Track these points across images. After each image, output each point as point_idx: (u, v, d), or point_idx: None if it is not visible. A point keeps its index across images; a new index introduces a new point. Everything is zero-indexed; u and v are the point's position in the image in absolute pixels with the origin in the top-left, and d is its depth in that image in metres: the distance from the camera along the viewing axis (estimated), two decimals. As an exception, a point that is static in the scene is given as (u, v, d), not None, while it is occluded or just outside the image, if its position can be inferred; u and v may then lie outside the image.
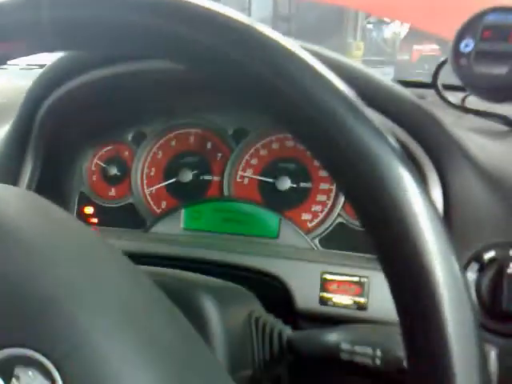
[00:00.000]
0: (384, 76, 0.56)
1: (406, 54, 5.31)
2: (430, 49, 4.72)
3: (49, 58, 0.62)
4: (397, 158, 0.25)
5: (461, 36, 0.54)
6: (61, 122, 0.63)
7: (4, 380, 0.25)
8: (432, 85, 0.67)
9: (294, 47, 0.26)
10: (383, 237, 0.25)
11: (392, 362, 0.38)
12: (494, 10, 0.53)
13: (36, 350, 0.25)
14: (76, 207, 0.71)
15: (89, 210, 0.71)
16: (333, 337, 0.42)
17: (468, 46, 0.53)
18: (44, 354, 0.25)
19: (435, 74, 0.64)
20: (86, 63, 0.60)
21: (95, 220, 0.71)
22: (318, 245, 0.63)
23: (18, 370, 0.26)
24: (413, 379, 0.25)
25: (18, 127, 0.63)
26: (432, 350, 0.24)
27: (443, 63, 0.63)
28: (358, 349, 0.40)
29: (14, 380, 0.26)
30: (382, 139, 0.25)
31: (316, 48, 0.52)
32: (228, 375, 0.31)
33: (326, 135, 0.25)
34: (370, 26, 6.91)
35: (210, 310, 0.44)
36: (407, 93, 0.55)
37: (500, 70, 0.51)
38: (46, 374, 0.25)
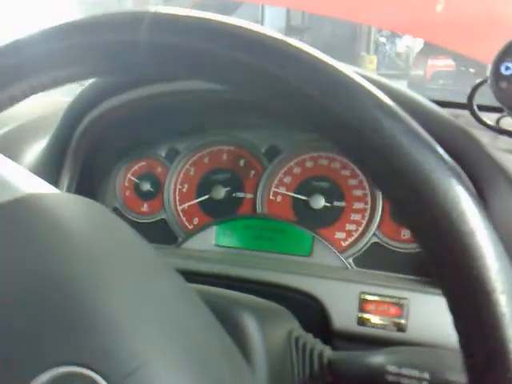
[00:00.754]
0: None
1: (420, 69, 5.30)
2: (445, 64, 4.70)
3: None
4: (455, 178, 0.25)
5: (501, 58, 0.54)
6: (97, 139, 0.64)
7: None
8: (467, 105, 0.67)
9: (353, 75, 0.27)
10: (442, 255, 0.25)
11: None
12: (535, 32, 0.53)
13: (94, 371, 0.25)
14: (109, 223, 0.71)
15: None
16: (378, 359, 0.42)
17: (509, 68, 0.53)
18: (102, 376, 0.25)
19: (471, 95, 0.64)
20: (122, 84, 0.61)
21: (128, 235, 0.71)
22: (353, 264, 0.62)
23: (76, 390, 0.26)
24: None
25: (55, 144, 0.64)
26: (496, 372, 0.23)
27: (480, 84, 0.63)
28: (404, 371, 0.40)
29: (71, 399, 0.26)
30: (441, 161, 0.25)
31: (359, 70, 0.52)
32: None
33: (385, 161, 0.25)
34: (382, 40, 6.92)
35: (252, 328, 0.44)
36: (446, 114, 0.55)
37: (542, 93, 0.51)
38: None
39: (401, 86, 0.57)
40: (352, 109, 0.26)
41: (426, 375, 0.38)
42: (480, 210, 0.25)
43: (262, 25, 6.15)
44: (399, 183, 0.25)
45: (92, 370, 0.25)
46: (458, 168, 0.26)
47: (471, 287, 0.24)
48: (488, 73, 0.64)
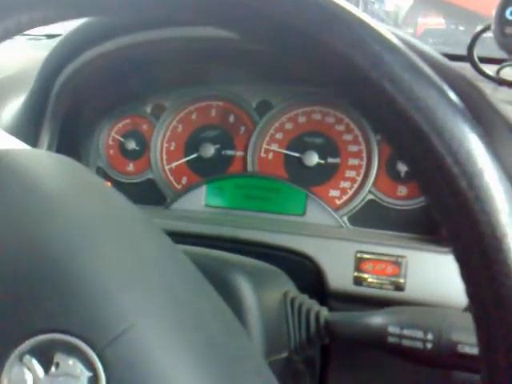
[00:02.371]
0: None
1: (410, 28, 5.22)
2: (435, 22, 4.63)
3: (58, 28, 0.59)
4: (457, 111, 0.23)
5: (506, 2, 0.51)
6: (78, 93, 0.60)
7: (43, 366, 0.24)
8: (465, 57, 0.64)
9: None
10: (449, 200, 0.23)
11: (445, 345, 0.36)
12: (543, -26, 0.50)
13: (78, 337, 0.24)
14: (93, 183, 0.68)
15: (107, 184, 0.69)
16: (378, 319, 0.40)
17: (514, 13, 0.50)
18: (87, 342, 0.24)
19: (471, 45, 0.61)
20: (104, 32, 0.57)
21: (113, 196, 0.68)
22: (348, 222, 0.60)
23: (58, 357, 0.24)
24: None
25: (33, 99, 0.60)
26: (507, 322, 0.22)
27: (481, 32, 0.60)
28: (406, 332, 0.38)
29: (52, 367, 0.24)
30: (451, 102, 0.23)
31: None
32: (264, 362, 0.30)
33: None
34: (372, -1, 6.79)
35: (246, 290, 0.42)
36: (451, 63, 0.52)
37: (549, 39, 0.49)
38: (88, 363, 0.23)
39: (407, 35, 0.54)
40: (348, 43, 0.23)
41: (430, 336, 0.37)
42: (488, 150, 0.22)
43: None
44: (402, 126, 0.23)
45: (74, 335, 0.24)
46: (464, 107, 0.23)
47: (480, 232, 0.22)
48: (478, 29, 0.61)
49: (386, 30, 0.24)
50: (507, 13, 0.51)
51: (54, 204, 0.29)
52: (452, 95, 0.24)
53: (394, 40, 0.24)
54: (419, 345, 0.37)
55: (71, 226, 0.28)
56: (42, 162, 0.33)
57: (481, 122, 0.49)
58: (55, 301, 0.25)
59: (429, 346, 0.37)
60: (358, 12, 0.25)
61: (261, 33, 0.25)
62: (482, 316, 0.22)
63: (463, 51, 0.64)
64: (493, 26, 0.52)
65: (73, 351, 0.24)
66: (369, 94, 0.24)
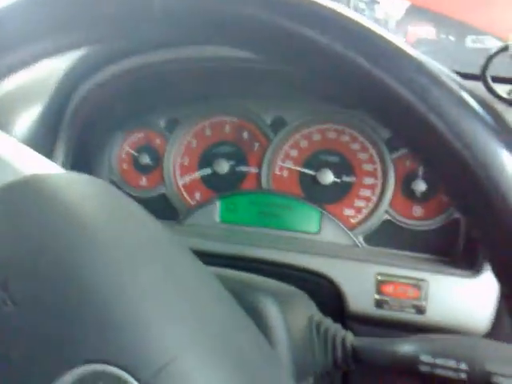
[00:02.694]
0: None
1: (401, 36, 5.29)
2: (426, 31, 4.70)
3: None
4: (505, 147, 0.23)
5: (527, 28, 0.51)
6: (93, 109, 0.60)
7: None
8: (480, 77, 0.64)
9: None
10: (491, 229, 0.24)
11: (480, 376, 0.36)
12: None
13: (123, 369, 0.24)
14: (106, 197, 0.68)
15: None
16: (410, 347, 0.40)
17: (535, 38, 0.51)
18: (131, 374, 0.23)
19: (485, 65, 0.62)
20: (120, 51, 0.56)
21: (125, 211, 0.68)
22: (363, 242, 0.60)
23: (102, 389, 0.24)
24: None
25: (50, 113, 0.59)
26: None
27: (495, 54, 0.60)
28: (439, 361, 0.38)
29: (96, 399, 0.23)
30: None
31: None
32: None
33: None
34: (362, 5, 6.85)
35: (273, 314, 0.42)
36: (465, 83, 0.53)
37: None
38: None
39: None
40: (395, 75, 0.24)
41: (464, 366, 0.37)
42: None
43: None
44: (446, 159, 0.23)
45: (119, 367, 0.23)
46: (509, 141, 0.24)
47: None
48: (469, 41, 0.61)
49: (430, 62, 0.25)
50: (528, 38, 0.51)
51: (96, 233, 0.28)
52: (497, 129, 0.24)
53: (440, 73, 0.24)
54: (452, 374, 0.37)
55: (113, 256, 0.27)
56: (81, 187, 0.32)
57: None
58: (100, 332, 0.25)
59: (462, 375, 0.37)
60: (403, 44, 0.25)
61: (311, 65, 0.26)
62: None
63: (455, 62, 0.65)
64: (510, 49, 0.52)
65: (117, 382, 0.23)
66: (416, 127, 0.24)
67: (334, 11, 0.25)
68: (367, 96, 0.25)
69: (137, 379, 0.23)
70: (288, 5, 0.25)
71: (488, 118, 0.24)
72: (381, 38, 0.25)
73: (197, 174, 0.66)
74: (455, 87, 0.24)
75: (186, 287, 0.28)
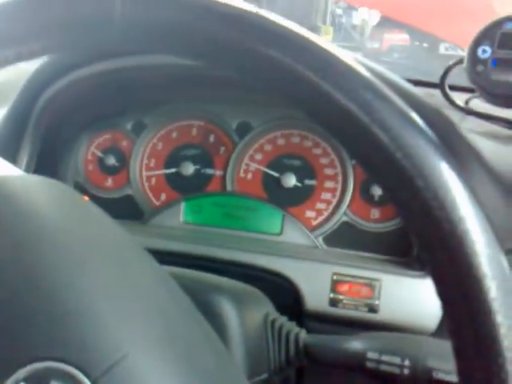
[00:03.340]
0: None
1: (376, 43, 5.36)
2: (400, 38, 4.77)
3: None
4: (446, 163, 0.25)
5: (478, 42, 0.54)
6: (59, 113, 0.61)
7: None
8: (438, 85, 0.67)
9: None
10: (433, 242, 0.25)
11: (422, 372, 0.38)
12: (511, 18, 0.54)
13: (74, 366, 0.24)
14: (72, 197, 0.68)
15: (86, 198, 0.69)
16: (357, 344, 0.42)
17: (486, 52, 0.54)
18: (82, 371, 0.24)
19: (443, 76, 0.65)
20: (86, 57, 0.57)
21: (91, 211, 0.68)
22: (323, 243, 0.62)
23: (54, 385, 0.24)
24: None
25: (14, 117, 0.60)
26: (485, 357, 0.24)
27: (453, 66, 0.63)
28: (385, 358, 0.40)
29: (48, 395, 0.24)
30: (434, 146, 0.25)
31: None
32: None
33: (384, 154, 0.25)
34: (339, 12, 6.91)
35: (229, 312, 0.44)
36: (421, 94, 0.55)
37: (516, 77, 0.52)
38: None
39: (377, 65, 0.56)
40: (341, 90, 0.25)
41: (407, 362, 0.39)
42: (471, 196, 0.25)
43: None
44: (390, 170, 0.25)
45: (70, 364, 0.24)
46: (449, 154, 0.26)
47: (462, 273, 0.24)
48: (442, 48, 0.64)
49: (376, 79, 0.26)
50: (479, 51, 0.54)
51: (50, 233, 0.29)
52: (439, 144, 0.26)
53: (385, 88, 0.26)
54: (396, 370, 0.39)
55: (67, 256, 0.28)
56: (37, 189, 0.33)
57: (452, 151, 0.52)
58: (51, 330, 0.25)
59: (406, 371, 0.39)
60: (350, 59, 0.27)
61: (258, 74, 0.27)
62: (463, 355, 0.24)
63: (429, 68, 0.67)
64: (465, 63, 0.55)
65: (68, 379, 0.24)
66: (361, 139, 0.26)
67: (285, 28, 0.27)
68: (314, 108, 0.27)
69: (88, 376, 0.24)
70: (243, 21, 0.27)
71: (429, 131, 0.26)
72: (328, 53, 0.26)
73: (162, 175, 0.68)
74: (398, 102, 0.26)
75: (138, 286, 0.29)
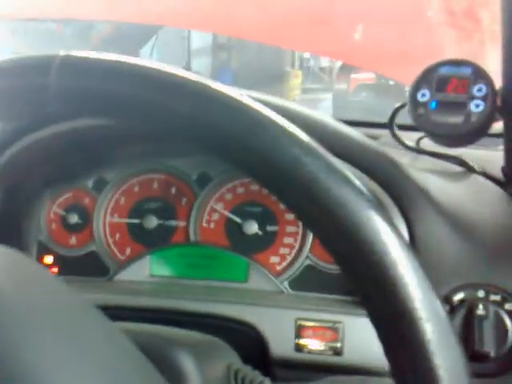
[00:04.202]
0: (323, 103, 0.59)
1: (343, 83, 5.52)
2: (366, 77, 4.94)
3: None
4: (374, 209, 0.26)
5: (417, 86, 0.57)
6: (19, 173, 0.61)
7: None
8: (387, 126, 0.70)
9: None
10: (367, 286, 0.26)
11: None
12: (447, 62, 0.57)
13: None
14: (35, 257, 0.68)
15: (48, 259, 0.69)
16: None
17: (425, 95, 0.56)
18: None
19: (392, 118, 0.67)
20: (34, 123, 0.59)
21: (55, 269, 0.68)
22: (288, 288, 0.63)
23: None
24: None
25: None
26: None
27: (399, 108, 0.66)
28: None
29: None
30: (361, 195, 0.26)
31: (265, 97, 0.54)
32: None
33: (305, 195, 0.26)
34: (306, 55, 7.12)
35: (188, 366, 0.43)
36: (367, 140, 0.57)
37: (456, 118, 0.55)
38: None
39: (321, 114, 0.59)
40: (272, 147, 0.27)
41: None
42: (400, 240, 0.26)
43: (189, 43, 6.17)
44: (322, 220, 0.26)
45: None
46: (376, 200, 0.27)
47: (397, 316, 0.25)
48: (408, 86, 0.67)
49: (304, 135, 0.28)
50: (419, 95, 0.57)
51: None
52: (366, 192, 0.27)
53: (313, 143, 0.28)
54: None
55: (11, 321, 0.28)
56: None
57: (401, 194, 0.54)
58: None
59: None
60: (280, 118, 0.28)
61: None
62: None
63: (395, 104, 0.69)
64: (407, 106, 0.58)
65: None
66: (290, 192, 0.27)
67: (211, 89, 0.29)
68: (246, 167, 0.28)
69: None
70: (168, 86, 0.29)
71: (356, 180, 0.27)
72: (258, 112, 0.28)
73: (126, 229, 0.68)
74: (325, 155, 0.27)
75: (88, 349, 0.29)
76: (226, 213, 0.66)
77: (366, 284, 0.26)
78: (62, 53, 0.29)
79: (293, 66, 6.92)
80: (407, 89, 0.59)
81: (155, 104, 0.28)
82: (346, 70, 5.16)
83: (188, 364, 0.43)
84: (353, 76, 5.15)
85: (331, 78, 6.68)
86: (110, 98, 0.29)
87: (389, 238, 0.25)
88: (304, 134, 0.28)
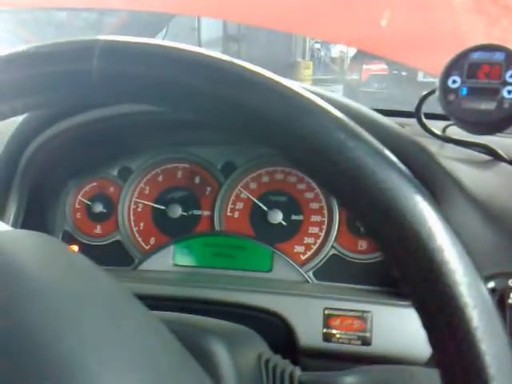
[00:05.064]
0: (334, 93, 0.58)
1: (355, 74, 5.48)
2: (379, 68, 4.89)
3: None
4: (420, 195, 0.26)
5: (448, 72, 0.56)
6: (46, 162, 0.61)
7: None
8: (415, 114, 0.69)
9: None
10: (413, 273, 0.26)
11: None
12: (478, 48, 0.56)
13: None
14: (61, 247, 0.68)
15: (73, 248, 0.69)
16: (352, 380, 0.42)
17: (456, 82, 0.56)
18: None
19: (419, 106, 0.66)
20: (65, 109, 0.59)
21: (81, 259, 0.68)
22: (313, 277, 0.63)
23: None
24: None
25: (2, 167, 0.60)
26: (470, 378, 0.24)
27: (427, 95, 0.65)
28: None
29: None
30: (407, 181, 0.26)
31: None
32: None
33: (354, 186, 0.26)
34: (317, 46, 7.08)
35: (221, 354, 0.43)
36: (397, 126, 0.57)
37: (488, 105, 0.54)
38: None
39: (355, 103, 0.58)
40: (315, 132, 0.26)
41: None
42: (446, 226, 0.25)
43: (199, 34, 6.16)
44: (367, 206, 0.26)
45: None
46: (421, 186, 0.27)
47: (444, 304, 0.25)
48: (420, 76, 0.66)
49: (349, 120, 0.27)
50: (449, 82, 0.56)
51: (37, 287, 0.29)
52: (412, 178, 0.27)
53: (358, 128, 0.27)
54: None
55: (55, 309, 0.28)
56: (24, 243, 0.33)
57: (431, 181, 0.53)
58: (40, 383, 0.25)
59: None
60: (324, 103, 0.28)
61: (236, 123, 0.28)
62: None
63: (408, 96, 0.69)
64: (437, 93, 0.57)
65: None
66: (335, 178, 0.27)
67: (265, 78, 0.28)
68: (292, 152, 0.28)
69: None
70: (215, 70, 0.28)
71: (402, 165, 0.27)
72: (302, 97, 0.28)
73: (151, 219, 0.68)
74: (371, 140, 0.27)
75: (128, 336, 0.29)
76: (253, 198, 0.65)
77: (410, 271, 0.26)
78: (102, 37, 0.29)
79: (303, 57, 6.89)
80: (420, 79, 0.58)
81: (203, 91, 0.28)
82: (358, 60, 5.12)
83: (221, 353, 0.43)
84: (365, 67, 5.10)
85: (342, 68, 6.63)
86: (152, 83, 0.28)
87: (435, 225, 0.25)
88: (348, 119, 0.27)
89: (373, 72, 5.10)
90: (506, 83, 0.53)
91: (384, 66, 4.89)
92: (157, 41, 0.30)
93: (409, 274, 0.26)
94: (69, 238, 0.69)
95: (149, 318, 0.32)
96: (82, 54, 0.29)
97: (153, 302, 0.59)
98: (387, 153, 0.27)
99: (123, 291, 0.33)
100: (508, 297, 0.48)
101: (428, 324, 0.26)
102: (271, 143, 0.28)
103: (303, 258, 0.64)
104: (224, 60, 0.29)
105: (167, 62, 0.28)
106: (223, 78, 0.28)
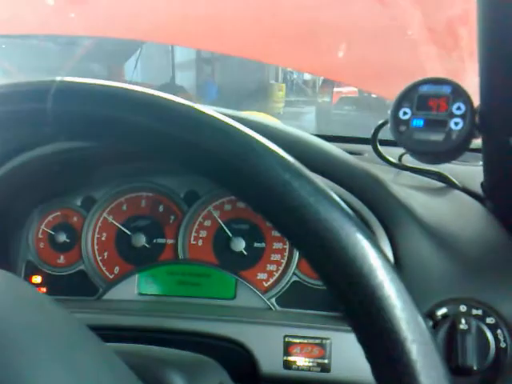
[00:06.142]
0: (306, 115, 0.60)
1: (326, 97, 5.59)
2: (349, 90, 5.00)
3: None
4: (361, 233, 0.27)
5: (399, 104, 0.59)
6: (8, 192, 0.61)
7: None
8: (371, 143, 0.72)
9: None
10: (355, 308, 0.27)
11: None
12: (426, 81, 0.59)
13: None
14: (23, 277, 0.68)
15: (36, 279, 0.69)
16: None
17: (406, 113, 0.58)
18: None
19: (374, 136, 0.69)
20: (23, 144, 0.59)
21: (44, 289, 0.68)
22: (276, 304, 0.64)
23: None
24: None
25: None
26: None
27: (381, 126, 0.68)
28: None
29: None
30: (349, 219, 0.27)
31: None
32: None
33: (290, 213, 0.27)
34: (290, 68, 7.18)
35: None
36: (350, 157, 0.59)
37: (437, 136, 0.56)
38: None
39: (304, 132, 0.60)
40: (261, 172, 0.28)
41: None
42: (386, 262, 0.27)
43: (173, 56, 6.20)
44: (310, 242, 0.27)
45: None
46: (362, 224, 0.28)
47: (384, 337, 0.26)
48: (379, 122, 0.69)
49: (294, 160, 0.29)
50: (400, 113, 0.58)
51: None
52: (353, 216, 0.28)
53: (302, 168, 0.29)
54: None
55: (7, 343, 0.29)
56: None
57: (384, 211, 0.55)
58: None
59: None
60: (269, 143, 0.29)
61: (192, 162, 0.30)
62: None
63: (377, 118, 0.70)
64: (389, 124, 0.59)
65: None
66: (281, 219, 0.28)
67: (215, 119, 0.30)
68: (240, 188, 0.29)
69: None
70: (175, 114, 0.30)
71: (344, 205, 0.28)
72: (248, 137, 0.29)
73: (115, 248, 0.68)
74: (314, 180, 0.28)
75: (80, 369, 0.30)
76: (220, 222, 0.66)
77: (352, 306, 0.27)
78: (58, 79, 0.31)
79: (277, 79, 6.98)
80: (389, 102, 0.61)
81: (148, 128, 0.29)
82: (329, 83, 5.23)
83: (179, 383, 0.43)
84: (336, 89, 5.21)
85: (314, 90, 6.74)
86: (99, 121, 0.30)
87: (375, 261, 0.26)
88: (293, 159, 0.29)
89: (343, 94, 5.23)
90: (452, 115, 0.56)
91: (354, 89, 5.01)
92: (109, 83, 0.31)
93: (351, 308, 0.27)
94: (32, 268, 0.69)
95: (103, 350, 0.33)
96: (38, 94, 0.30)
97: (117, 333, 0.60)
98: (330, 192, 0.28)
99: (76, 323, 0.33)
100: (459, 322, 0.50)
101: (370, 356, 0.28)
102: (217, 180, 0.30)
103: (266, 285, 0.65)
104: (171, 100, 0.30)
105: (116, 101, 0.30)
106: (170, 117, 0.29)
